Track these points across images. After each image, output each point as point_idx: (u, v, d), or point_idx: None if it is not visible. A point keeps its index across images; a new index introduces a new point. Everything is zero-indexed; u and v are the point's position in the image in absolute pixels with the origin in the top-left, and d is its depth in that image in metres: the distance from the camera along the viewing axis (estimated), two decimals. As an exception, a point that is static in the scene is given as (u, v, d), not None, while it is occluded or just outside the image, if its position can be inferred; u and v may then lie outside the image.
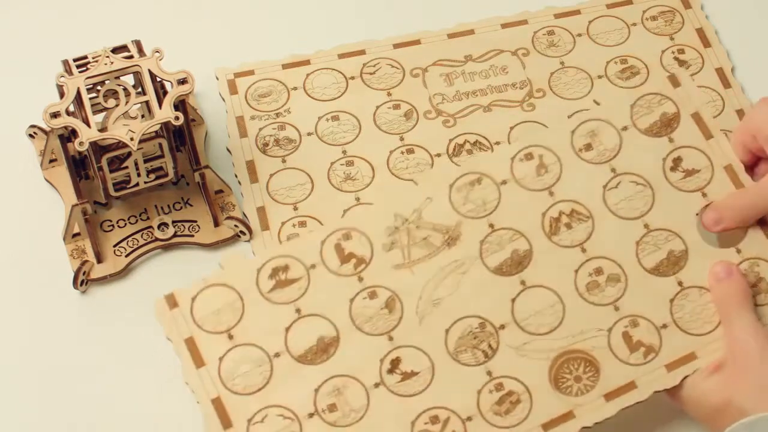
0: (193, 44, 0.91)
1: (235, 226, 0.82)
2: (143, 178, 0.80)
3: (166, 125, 0.77)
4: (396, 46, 0.91)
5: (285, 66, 0.90)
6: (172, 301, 0.71)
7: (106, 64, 0.77)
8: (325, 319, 0.71)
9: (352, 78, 0.89)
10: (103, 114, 0.78)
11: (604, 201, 0.76)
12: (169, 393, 0.75)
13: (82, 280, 0.79)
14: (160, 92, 0.77)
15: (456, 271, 0.73)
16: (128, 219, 0.82)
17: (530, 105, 0.88)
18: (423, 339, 0.71)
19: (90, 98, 0.76)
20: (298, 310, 0.71)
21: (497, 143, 0.86)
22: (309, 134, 0.86)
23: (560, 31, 0.93)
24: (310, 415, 0.69)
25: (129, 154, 0.78)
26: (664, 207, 0.76)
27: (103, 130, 0.76)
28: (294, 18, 0.95)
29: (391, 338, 0.71)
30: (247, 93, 0.88)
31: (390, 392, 0.70)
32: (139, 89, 0.78)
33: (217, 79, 0.89)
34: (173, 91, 0.77)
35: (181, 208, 0.83)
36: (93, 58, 0.78)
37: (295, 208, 0.83)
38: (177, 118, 0.77)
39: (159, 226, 0.82)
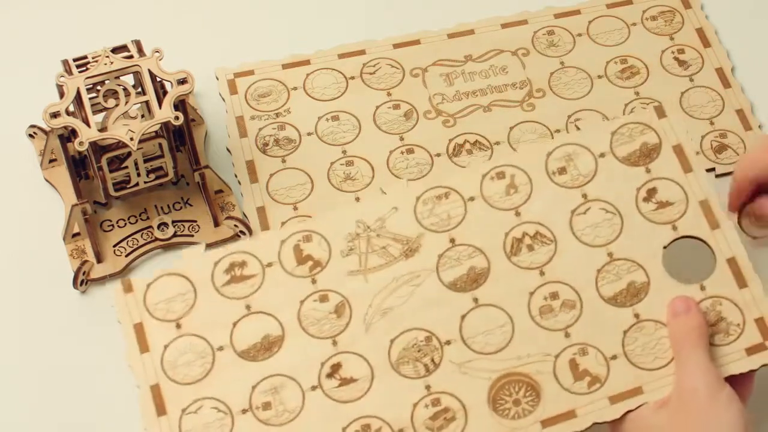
0: (193, 44, 0.91)
1: (235, 226, 0.82)
2: (143, 178, 0.80)
3: (166, 125, 0.77)
4: (396, 46, 0.91)
5: (285, 66, 0.90)
6: (127, 286, 0.72)
7: (106, 64, 0.77)
8: (273, 317, 0.71)
9: (352, 78, 0.89)
10: (103, 114, 0.78)
11: (570, 226, 0.74)
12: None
13: (82, 280, 0.79)
14: (160, 92, 0.77)
15: (410, 282, 0.73)
16: (128, 219, 0.82)
17: (530, 105, 0.88)
18: (367, 347, 0.71)
19: (90, 98, 0.76)
20: (248, 306, 0.72)
21: (497, 143, 0.86)
22: (309, 134, 0.87)
23: (560, 31, 0.93)
24: (244, 411, 0.69)
25: (129, 154, 0.78)
26: (631, 237, 0.74)
27: (103, 130, 0.76)
28: (294, 18, 0.95)
29: (335, 343, 0.71)
30: (247, 93, 0.88)
31: (326, 396, 0.70)
32: (139, 89, 0.78)
33: (217, 79, 0.89)
34: (173, 91, 0.77)
35: (181, 208, 0.83)
36: (93, 58, 0.78)
37: (295, 208, 0.83)
38: (177, 118, 0.77)
39: (159, 226, 0.82)
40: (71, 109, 0.77)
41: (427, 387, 0.70)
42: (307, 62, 0.90)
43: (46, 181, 0.84)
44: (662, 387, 0.70)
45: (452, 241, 0.74)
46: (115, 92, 0.77)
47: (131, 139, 0.76)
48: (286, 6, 0.95)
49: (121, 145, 0.77)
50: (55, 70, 0.77)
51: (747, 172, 0.75)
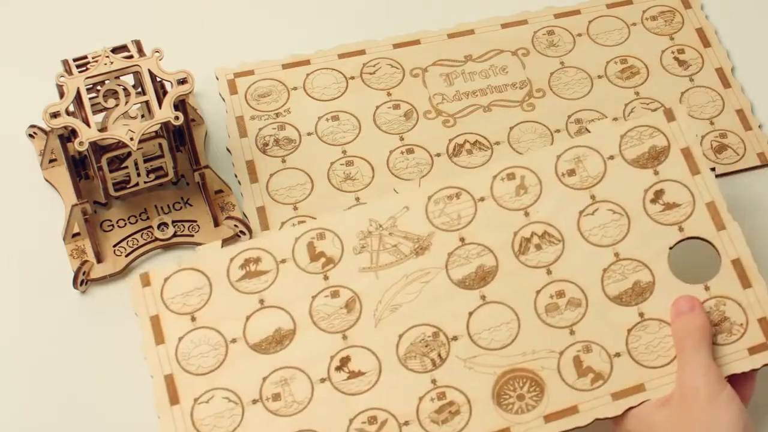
0: (193, 44, 0.91)
1: (235, 225, 0.82)
2: (143, 178, 0.80)
3: (166, 125, 0.77)
4: (396, 46, 0.91)
5: (285, 66, 0.90)
6: (145, 280, 0.73)
7: (105, 64, 0.77)
8: (286, 312, 0.73)
9: (352, 78, 0.89)
10: (103, 114, 0.78)
11: (577, 226, 0.75)
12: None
13: (82, 280, 0.79)
14: (160, 92, 0.77)
15: (419, 279, 0.74)
16: (128, 219, 0.82)
17: (530, 105, 0.88)
18: (376, 341, 0.72)
19: (90, 98, 0.76)
20: (261, 301, 0.73)
21: (497, 143, 0.86)
22: (309, 134, 0.87)
23: (560, 31, 0.93)
24: (254, 402, 0.70)
25: (129, 154, 0.78)
26: (637, 237, 0.75)
27: (103, 130, 0.76)
28: (294, 18, 0.95)
29: (345, 337, 0.72)
30: (247, 93, 0.88)
31: (334, 388, 0.71)
32: (139, 89, 0.78)
33: (217, 79, 0.89)
34: (173, 91, 0.77)
35: (181, 208, 0.83)
36: (93, 58, 0.78)
37: (295, 208, 0.83)
38: (177, 118, 0.77)
39: (159, 226, 0.82)
40: (71, 109, 0.77)
41: (433, 381, 0.71)
42: (307, 62, 0.90)
43: (46, 181, 0.84)
44: (665, 385, 0.71)
45: (462, 239, 0.75)
46: (115, 92, 0.77)
47: (131, 139, 0.76)
48: (286, 6, 0.95)
49: (121, 145, 0.77)
50: (55, 70, 0.77)
51: None
